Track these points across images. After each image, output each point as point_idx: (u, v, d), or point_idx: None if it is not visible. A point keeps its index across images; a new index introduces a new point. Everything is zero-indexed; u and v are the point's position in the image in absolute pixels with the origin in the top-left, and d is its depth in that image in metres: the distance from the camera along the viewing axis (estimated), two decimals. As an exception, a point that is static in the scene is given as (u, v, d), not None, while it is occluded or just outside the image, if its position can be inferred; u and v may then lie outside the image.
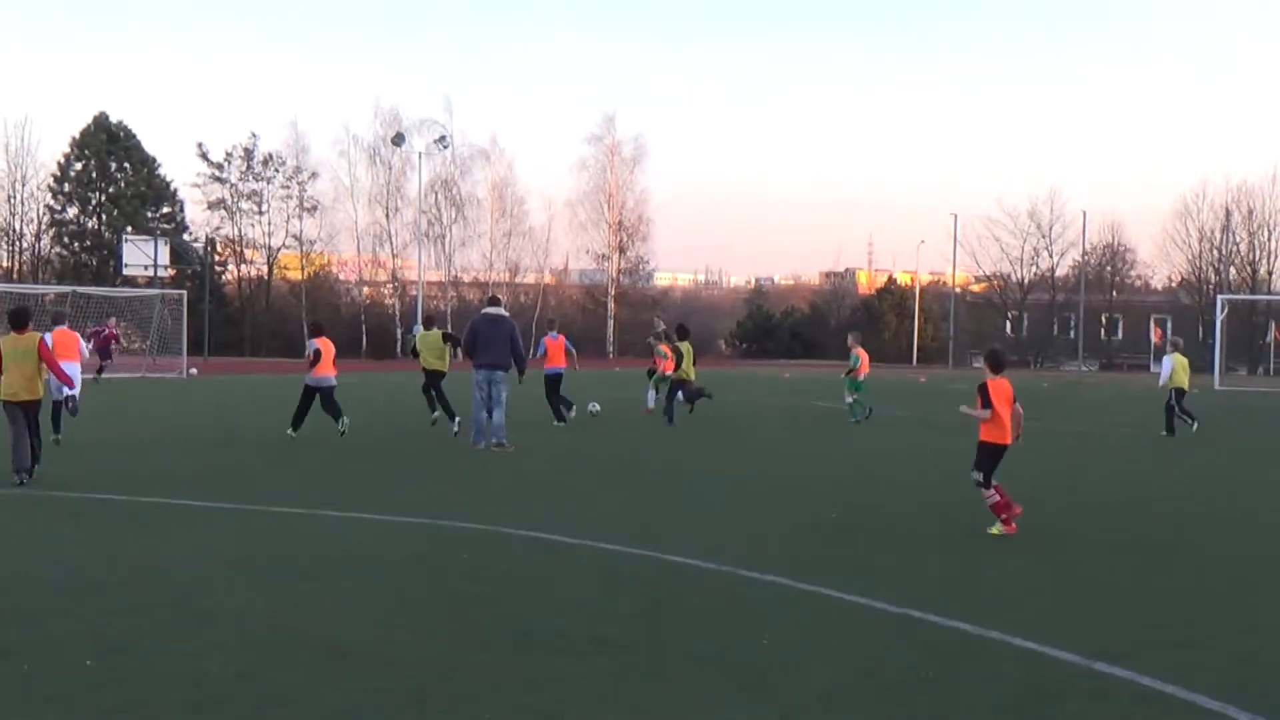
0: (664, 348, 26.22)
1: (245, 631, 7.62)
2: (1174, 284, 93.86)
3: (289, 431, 20.44)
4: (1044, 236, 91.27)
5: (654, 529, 11.66)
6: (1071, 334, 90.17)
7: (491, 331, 19.04)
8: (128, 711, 6.04)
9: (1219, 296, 64.46)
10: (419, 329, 67.84)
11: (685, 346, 25.76)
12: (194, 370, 42.22)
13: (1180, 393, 24.94)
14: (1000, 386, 12.02)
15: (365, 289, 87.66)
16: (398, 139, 73.26)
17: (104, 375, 34.50)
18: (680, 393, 25.52)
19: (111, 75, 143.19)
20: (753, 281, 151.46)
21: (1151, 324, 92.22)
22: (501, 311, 19.81)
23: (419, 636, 7.56)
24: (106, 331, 35.96)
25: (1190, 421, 24.85)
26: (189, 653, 7.05)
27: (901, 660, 7.23)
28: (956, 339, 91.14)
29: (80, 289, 42.88)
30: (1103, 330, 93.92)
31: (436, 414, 22.30)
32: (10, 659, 6.88)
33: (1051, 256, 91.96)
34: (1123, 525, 12.73)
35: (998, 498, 11.80)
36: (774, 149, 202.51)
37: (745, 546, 10.80)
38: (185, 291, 43.60)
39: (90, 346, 27.87)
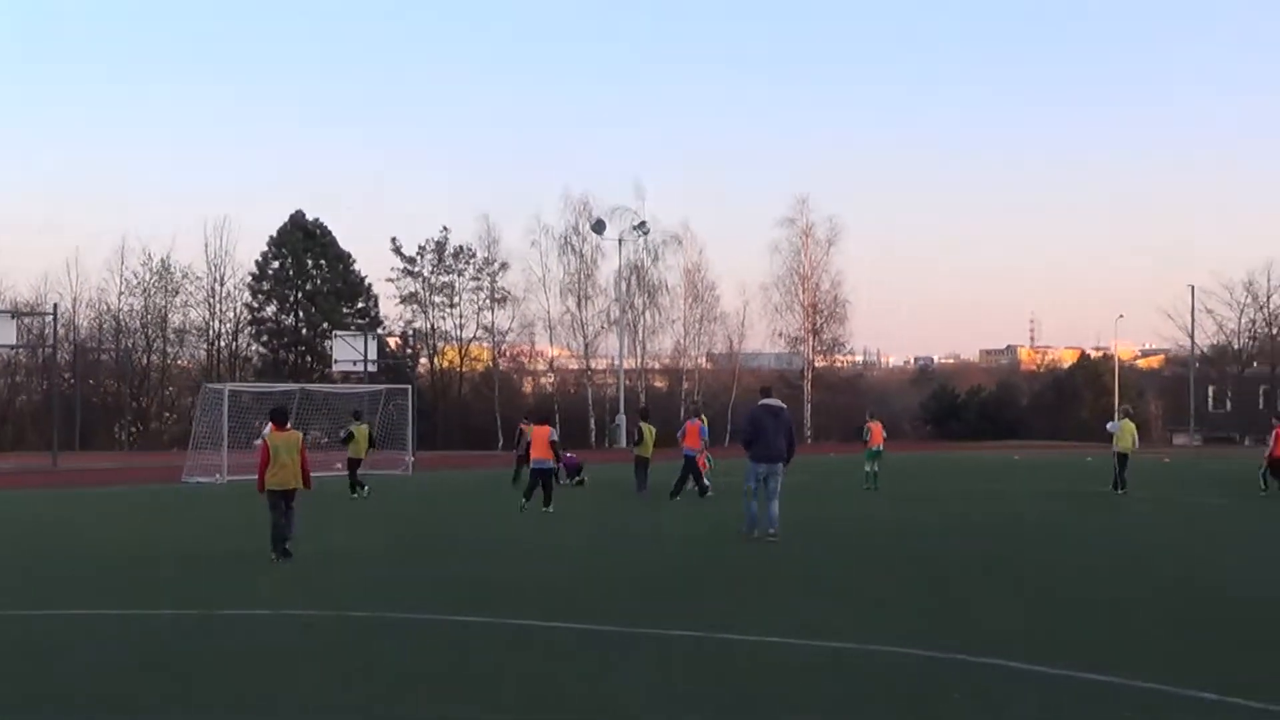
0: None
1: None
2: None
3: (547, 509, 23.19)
4: (1261, 309, 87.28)
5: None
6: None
7: (774, 423, 18.61)
8: None
9: None
10: (621, 419, 67.07)
11: (648, 428, 28.71)
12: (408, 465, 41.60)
13: (1122, 456, 29.25)
14: None
15: (555, 378, 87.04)
16: (598, 226, 72.70)
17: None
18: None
19: (305, 174, 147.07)
20: (911, 361, 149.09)
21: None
22: (779, 403, 19.29)
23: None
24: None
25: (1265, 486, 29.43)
26: None
27: None
28: (1164, 415, 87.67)
29: (308, 386, 42.42)
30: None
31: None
32: None
33: (1273, 329, 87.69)
34: None
35: None
36: (921, 232, 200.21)
37: None
38: (410, 386, 42.72)
39: None
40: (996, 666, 9.34)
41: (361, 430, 29.95)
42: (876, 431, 31.95)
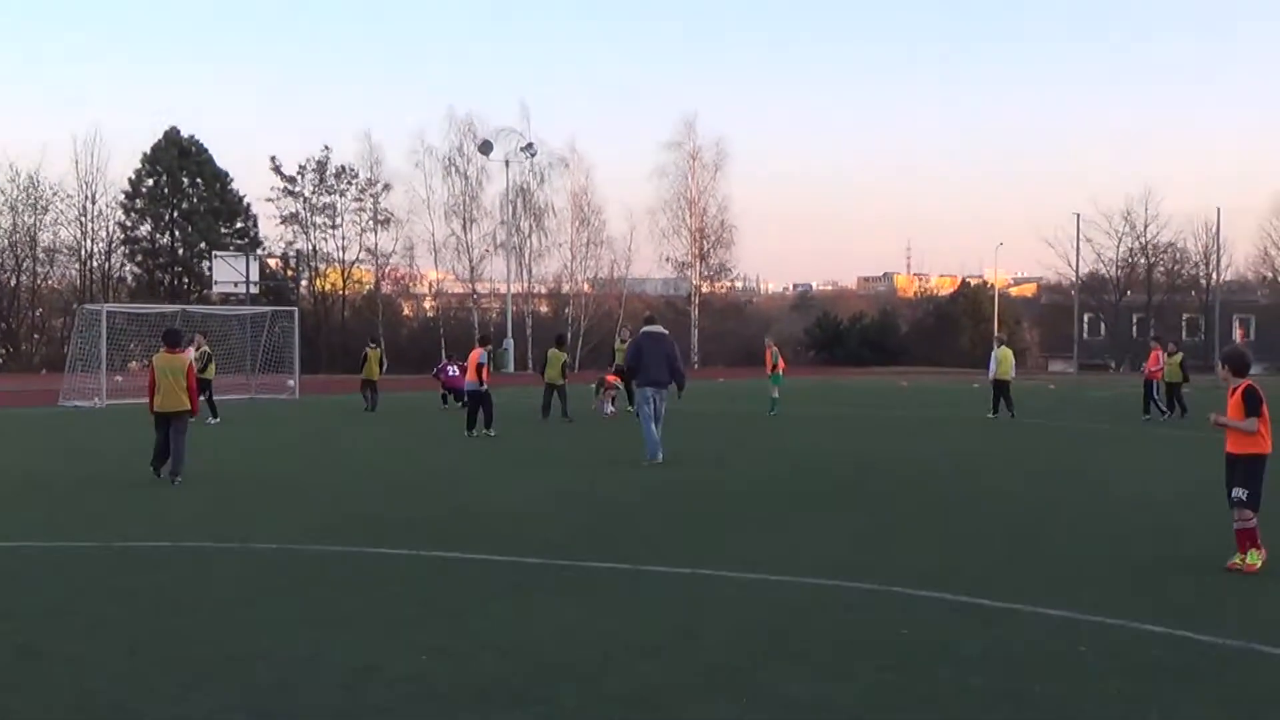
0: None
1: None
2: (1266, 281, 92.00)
3: (488, 432, 23.90)
4: (1138, 238, 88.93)
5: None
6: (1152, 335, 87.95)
7: (655, 349, 18.98)
8: None
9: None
10: (509, 343, 66.38)
11: (554, 354, 29.04)
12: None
13: (1002, 383, 29.57)
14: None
15: (435, 301, 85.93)
16: (485, 147, 71.37)
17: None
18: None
19: (182, 90, 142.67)
20: (790, 288, 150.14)
21: (1235, 324, 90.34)
22: (662, 330, 19.57)
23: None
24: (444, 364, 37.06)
25: (1163, 412, 29.43)
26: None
27: None
28: (1041, 342, 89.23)
29: (189, 308, 41.06)
30: (1184, 331, 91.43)
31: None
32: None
33: (1149, 257, 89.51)
34: None
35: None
36: (801, 158, 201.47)
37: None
38: (297, 309, 41.62)
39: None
40: (939, 600, 9.09)
41: (203, 352, 29.14)
42: (775, 358, 32.22)
